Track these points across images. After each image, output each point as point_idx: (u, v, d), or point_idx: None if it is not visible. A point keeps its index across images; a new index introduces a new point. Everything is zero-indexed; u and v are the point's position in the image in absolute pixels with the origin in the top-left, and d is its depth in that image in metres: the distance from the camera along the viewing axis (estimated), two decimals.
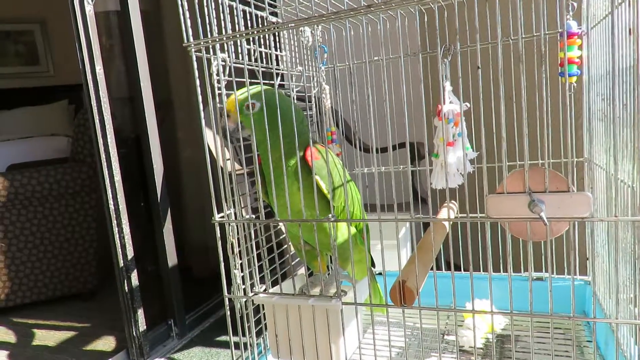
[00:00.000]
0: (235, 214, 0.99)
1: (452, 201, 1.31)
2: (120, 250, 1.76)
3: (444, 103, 1.12)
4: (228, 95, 0.94)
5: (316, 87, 1.39)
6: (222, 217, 0.98)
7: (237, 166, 1.06)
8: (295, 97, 1.29)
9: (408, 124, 0.80)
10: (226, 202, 0.95)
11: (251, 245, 0.98)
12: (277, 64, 1.27)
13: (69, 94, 3.84)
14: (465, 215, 0.88)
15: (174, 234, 1.96)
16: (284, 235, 1.23)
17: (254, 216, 0.97)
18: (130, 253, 1.79)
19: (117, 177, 1.72)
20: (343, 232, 1.02)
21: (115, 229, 1.73)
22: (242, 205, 1.02)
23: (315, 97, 1.39)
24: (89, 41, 1.63)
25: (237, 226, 0.97)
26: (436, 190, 1.30)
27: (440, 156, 1.16)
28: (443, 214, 1.19)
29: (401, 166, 1.52)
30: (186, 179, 2.73)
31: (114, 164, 1.70)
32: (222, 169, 0.94)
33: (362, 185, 1.48)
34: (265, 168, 1.00)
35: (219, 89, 0.93)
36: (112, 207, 1.72)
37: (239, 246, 0.97)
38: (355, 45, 0.96)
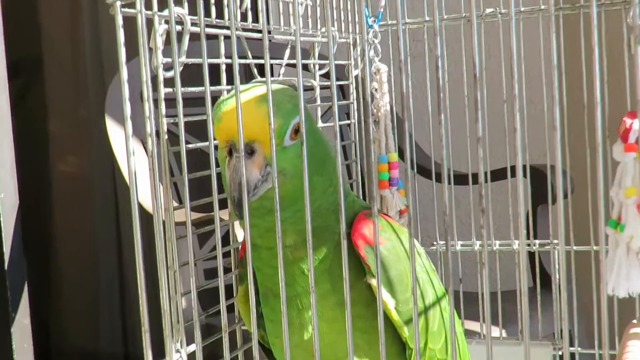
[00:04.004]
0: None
1: None
2: None
3: None
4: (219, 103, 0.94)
5: (360, 67, 1.36)
6: None
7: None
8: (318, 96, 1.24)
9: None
10: (172, 335, 0.87)
11: None
12: (282, 24, 1.26)
13: None
14: None
15: (34, 336, 1.92)
16: None
17: None
18: None
19: None
20: None
21: None
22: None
23: (354, 89, 1.38)
24: None
25: None
26: (613, 297, 1.24)
27: (628, 228, 1.13)
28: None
29: (537, 242, 1.46)
30: (67, 223, 2.69)
31: None
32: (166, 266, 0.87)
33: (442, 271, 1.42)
34: (258, 263, 1.00)
35: (167, 84, 0.92)
36: None
37: None
38: None
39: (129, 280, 2.65)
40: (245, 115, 0.86)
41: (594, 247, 1.41)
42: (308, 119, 0.97)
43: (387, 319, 0.98)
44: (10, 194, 1.76)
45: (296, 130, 0.92)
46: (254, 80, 1.09)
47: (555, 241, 1.46)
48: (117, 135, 1.83)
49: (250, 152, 0.90)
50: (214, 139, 0.92)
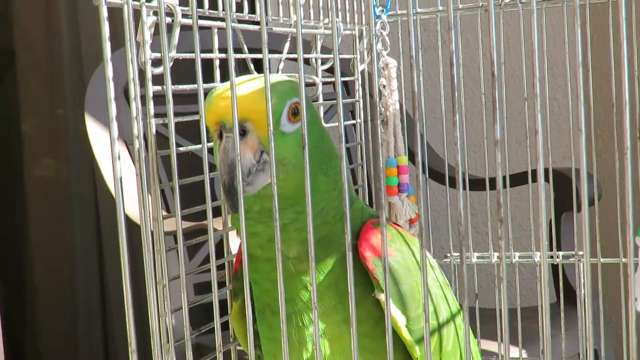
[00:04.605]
0: None
1: None
2: None
3: None
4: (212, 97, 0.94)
5: (366, 61, 1.36)
6: None
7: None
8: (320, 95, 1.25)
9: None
10: (161, 356, 0.93)
11: None
12: (281, 14, 1.28)
13: None
14: None
15: (6, 356, 1.94)
16: None
17: None
18: None
19: None
20: None
21: None
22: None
23: (360, 86, 1.39)
24: None
25: None
26: None
27: None
28: None
29: (559, 254, 1.46)
30: (42, 231, 2.71)
31: None
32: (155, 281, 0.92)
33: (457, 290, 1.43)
34: (256, 277, 1.01)
35: (157, 81, 0.95)
36: None
37: None
38: None
39: (110, 295, 2.66)
40: (238, 93, 0.87)
41: (623, 260, 1.41)
42: (311, 108, 0.98)
43: (398, 337, 0.99)
44: None
45: (294, 112, 0.93)
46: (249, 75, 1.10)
47: (581, 253, 1.47)
48: (98, 136, 1.84)
49: (242, 133, 0.90)
50: (207, 132, 0.93)
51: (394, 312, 0.98)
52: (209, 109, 0.91)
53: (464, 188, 1.57)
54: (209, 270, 1.01)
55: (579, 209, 1.74)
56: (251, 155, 0.90)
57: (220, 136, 0.90)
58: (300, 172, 0.90)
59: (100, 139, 1.82)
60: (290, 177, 0.93)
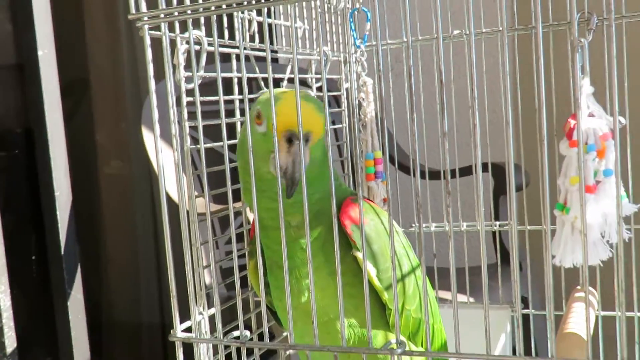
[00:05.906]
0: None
1: (592, 289, 1.25)
2: None
3: (580, 116, 1.09)
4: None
5: (349, 80, 1.38)
6: (189, 330, 0.95)
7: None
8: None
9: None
10: (196, 300, 0.88)
11: None
12: (281, 43, 1.31)
13: None
14: None
15: (86, 308, 1.93)
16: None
17: (247, 334, 0.96)
18: (11, 341, 1.71)
19: None
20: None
21: None
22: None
23: (345, 99, 1.41)
24: None
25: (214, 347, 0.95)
26: (560, 268, 1.25)
27: (572, 210, 1.13)
28: (575, 319, 1.12)
29: (497, 223, 1.45)
30: (111, 215, 2.70)
31: None
32: (190, 240, 0.91)
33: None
34: (267, 241, 1.02)
35: (189, 94, 0.94)
36: None
37: None
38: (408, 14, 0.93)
39: (165, 261, 2.67)
40: (303, 110, 0.86)
41: (544, 227, 1.41)
42: None
43: (370, 285, 0.98)
44: (65, 192, 1.77)
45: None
46: (261, 91, 1.09)
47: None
48: (151, 142, 1.83)
49: (307, 139, 0.91)
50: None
51: (370, 269, 0.99)
52: (280, 116, 0.88)
53: (424, 177, 1.57)
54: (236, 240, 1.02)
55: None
56: (308, 158, 0.93)
57: (289, 140, 0.90)
58: (316, 165, 0.96)
59: (153, 144, 1.81)
60: (313, 167, 0.95)
